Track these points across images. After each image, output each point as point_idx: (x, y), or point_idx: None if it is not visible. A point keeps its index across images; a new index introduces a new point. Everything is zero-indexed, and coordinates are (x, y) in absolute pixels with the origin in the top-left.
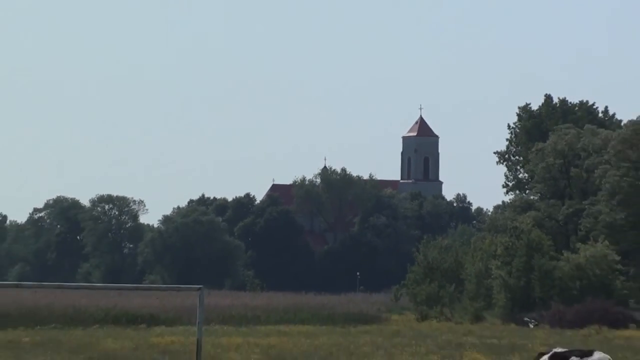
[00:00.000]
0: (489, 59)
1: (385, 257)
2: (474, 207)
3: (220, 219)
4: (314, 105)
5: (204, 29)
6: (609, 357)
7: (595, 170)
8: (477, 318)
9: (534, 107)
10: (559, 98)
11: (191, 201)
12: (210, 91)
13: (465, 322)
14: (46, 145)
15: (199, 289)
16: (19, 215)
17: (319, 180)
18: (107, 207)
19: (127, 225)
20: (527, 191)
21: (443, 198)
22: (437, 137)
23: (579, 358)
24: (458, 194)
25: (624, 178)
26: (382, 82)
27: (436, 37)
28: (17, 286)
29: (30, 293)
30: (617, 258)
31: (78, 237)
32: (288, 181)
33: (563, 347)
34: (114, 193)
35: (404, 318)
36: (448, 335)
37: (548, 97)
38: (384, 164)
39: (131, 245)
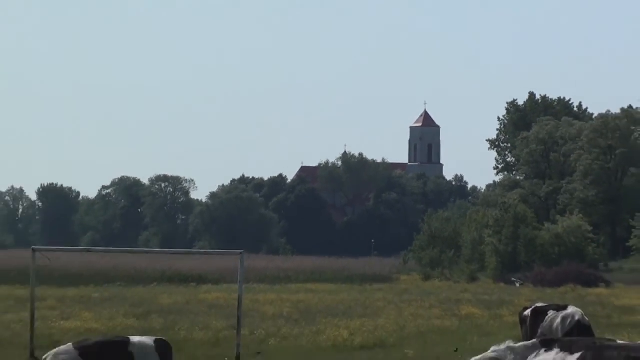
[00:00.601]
0: (482, 61)
1: (396, 227)
2: (469, 186)
3: (257, 195)
4: (337, 100)
5: (246, 18)
6: (581, 311)
7: (571, 155)
8: (472, 278)
9: (520, 102)
10: (540, 95)
11: (233, 180)
12: (252, 87)
13: (462, 282)
14: (111, 130)
15: (240, 253)
16: (90, 191)
17: (340, 163)
18: (163, 185)
19: (180, 200)
20: (514, 172)
21: (444, 178)
22: (438, 127)
23: (555, 311)
24: (456, 175)
25: (595, 162)
26: (394, 81)
27: (438, 42)
28: (88, 251)
29: (99, 257)
30: (589, 228)
31: (139, 210)
32: (314, 164)
33: (543, 303)
34: (169, 173)
35: (411, 278)
36: (448, 292)
37: (532, 94)
38: (394, 150)
39: (183, 217)
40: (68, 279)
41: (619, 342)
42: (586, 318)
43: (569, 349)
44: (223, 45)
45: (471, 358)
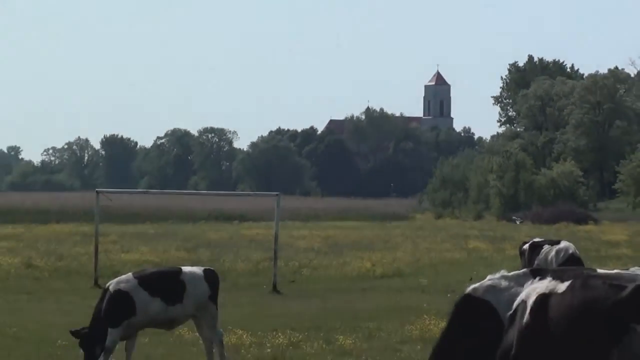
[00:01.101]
0: (488, 28)
1: (412, 172)
2: (476, 136)
3: (292, 144)
4: (362, 61)
5: None
6: (573, 245)
7: (564, 110)
8: (478, 217)
9: (520, 64)
10: (538, 57)
11: (271, 131)
12: (291, 50)
13: (470, 220)
14: (165, 86)
15: (277, 195)
16: (146, 141)
17: (364, 117)
18: (210, 135)
19: (224, 149)
20: (515, 125)
21: (454, 130)
22: (449, 85)
23: (550, 245)
24: (465, 127)
25: (585, 115)
26: (411, 46)
27: (448, 10)
28: (145, 193)
29: (154, 198)
30: (580, 173)
31: (189, 157)
32: (341, 117)
33: (540, 238)
34: (215, 125)
35: (425, 216)
36: (457, 229)
37: (530, 57)
38: (410, 105)
39: (227, 163)
40: (127, 217)
41: (604, 271)
42: (577, 251)
43: (560, 277)
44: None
45: (471, 285)
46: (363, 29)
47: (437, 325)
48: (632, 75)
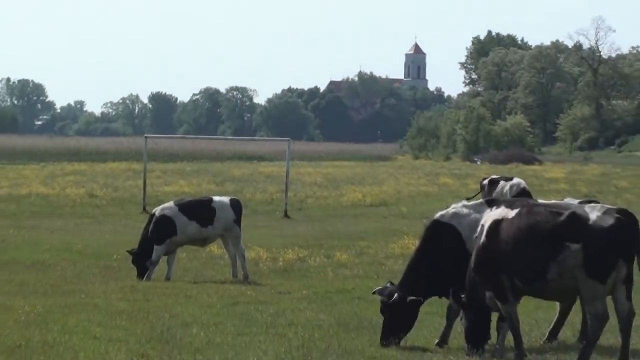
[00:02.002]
0: (457, 6)
1: (395, 123)
2: (446, 95)
3: (300, 100)
4: (358, 33)
5: None
6: (523, 181)
7: (516, 74)
8: (447, 158)
9: (482, 37)
10: (495, 32)
11: (283, 89)
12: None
13: (440, 161)
14: (200, 50)
15: (288, 140)
16: (184, 96)
17: (357, 78)
18: (235, 92)
19: (246, 103)
20: (477, 85)
21: (428, 89)
22: (425, 54)
23: (505, 181)
24: (437, 87)
25: (532, 78)
26: (395, 22)
27: None
28: (183, 138)
29: (190, 142)
30: (528, 124)
31: (218, 110)
32: (339, 79)
33: (496, 175)
34: (239, 85)
35: (405, 158)
36: (430, 168)
37: (489, 32)
38: (394, 70)
39: (248, 115)
40: (169, 157)
41: (546, 201)
42: (527, 186)
43: (510, 206)
44: None
45: (438, 212)
46: (358, 4)
47: (414, 244)
48: (570, 47)
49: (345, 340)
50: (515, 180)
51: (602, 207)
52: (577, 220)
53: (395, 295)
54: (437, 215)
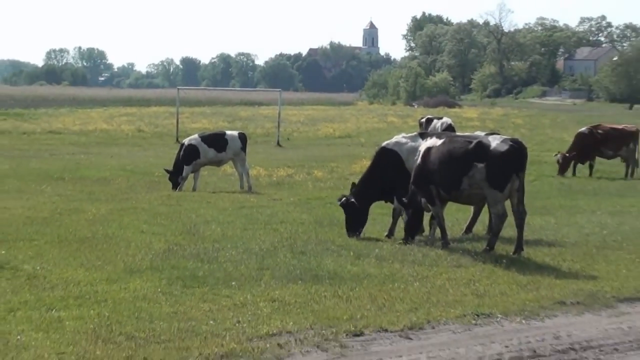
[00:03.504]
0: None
1: (356, 79)
2: (392, 58)
3: (288, 62)
4: (331, 10)
5: None
6: (450, 119)
7: (442, 43)
8: (393, 104)
9: (418, 17)
10: (429, 13)
11: (276, 54)
12: None
13: (388, 105)
14: (218, 21)
15: (279, 90)
16: (205, 59)
17: (329, 46)
18: (241, 57)
19: (249, 64)
20: (415, 51)
21: (380, 54)
22: (377, 29)
23: (437, 120)
24: (386, 53)
25: (454, 46)
26: (353, 3)
27: None
28: (204, 89)
29: (210, 92)
30: (451, 79)
31: (229, 70)
32: (316, 46)
33: (430, 115)
34: (244, 51)
35: (363, 103)
36: (381, 110)
37: (424, 13)
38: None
39: (251, 73)
40: (194, 102)
41: (462, 134)
42: (453, 123)
43: (438, 137)
44: None
45: (384, 142)
46: None
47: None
48: (481, 24)
49: (320, 233)
50: (444, 119)
51: (501, 137)
52: (482, 146)
53: (344, 199)
54: (384, 143)
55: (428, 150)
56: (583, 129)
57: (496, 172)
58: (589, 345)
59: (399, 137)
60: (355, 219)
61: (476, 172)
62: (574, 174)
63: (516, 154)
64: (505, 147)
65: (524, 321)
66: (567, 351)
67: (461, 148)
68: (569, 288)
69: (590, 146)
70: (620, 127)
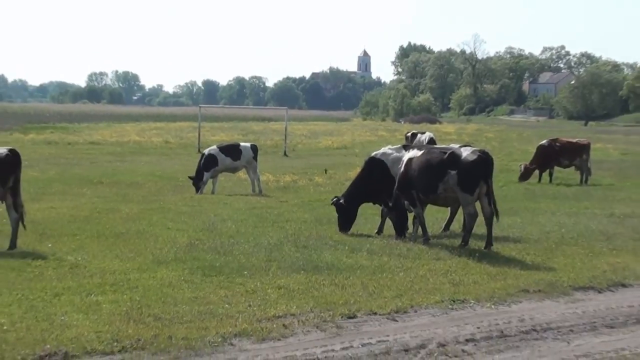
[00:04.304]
0: (389, 27)
1: (352, 98)
2: (383, 81)
3: (293, 84)
4: (331, 40)
5: None
6: (432, 134)
7: (425, 68)
8: (383, 120)
9: (404, 46)
10: (414, 43)
11: (283, 77)
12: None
13: (379, 121)
14: (235, 49)
15: (286, 108)
16: (223, 81)
17: (328, 71)
18: (254, 79)
19: (261, 86)
20: (401, 75)
21: (372, 78)
22: (370, 56)
23: (421, 134)
24: (377, 76)
25: (436, 70)
26: (349, 35)
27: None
28: (222, 107)
29: (227, 109)
30: (432, 99)
31: (244, 90)
32: (318, 71)
33: (415, 130)
34: (256, 74)
35: (358, 120)
36: (372, 125)
37: (409, 43)
38: (352, 65)
39: (262, 93)
40: (214, 118)
41: (439, 146)
42: (434, 137)
43: (419, 149)
44: None
45: (373, 152)
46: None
47: None
48: (458, 52)
49: (320, 230)
50: (427, 133)
51: (471, 148)
52: (454, 156)
53: (335, 199)
54: (372, 153)
55: (410, 160)
56: (544, 141)
57: (466, 178)
58: (549, 327)
59: (385, 149)
60: (345, 217)
61: (450, 178)
62: (539, 180)
63: (484, 162)
64: (474, 157)
65: (493, 306)
66: (530, 332)
67: (437, 158)
68: (532, 278)
69: (550, 156)
70: (574, 140)
